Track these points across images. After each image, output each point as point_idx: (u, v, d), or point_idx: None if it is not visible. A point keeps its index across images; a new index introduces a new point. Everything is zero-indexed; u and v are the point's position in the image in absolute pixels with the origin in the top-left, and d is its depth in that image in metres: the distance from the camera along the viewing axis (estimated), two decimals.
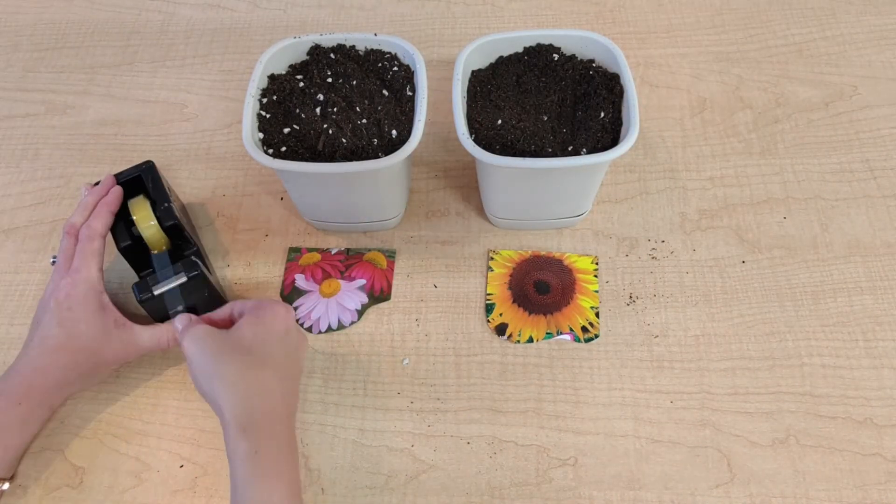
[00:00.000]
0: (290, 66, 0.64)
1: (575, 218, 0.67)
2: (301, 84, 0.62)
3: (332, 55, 0.64)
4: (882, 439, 0.57)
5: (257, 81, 0.61)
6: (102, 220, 0.58)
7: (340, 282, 0.65)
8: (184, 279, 0.57)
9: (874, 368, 0.60)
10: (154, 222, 0.59)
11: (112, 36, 0.85)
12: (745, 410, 0.58)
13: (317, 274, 0.65)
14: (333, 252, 0.66)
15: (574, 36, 0.64)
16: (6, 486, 0.54)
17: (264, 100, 0.62)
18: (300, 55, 0.65)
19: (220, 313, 0.57)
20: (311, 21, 0.85)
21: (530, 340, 0.62)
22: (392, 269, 0.65)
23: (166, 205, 0.60)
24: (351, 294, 0.64)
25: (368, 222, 0.67)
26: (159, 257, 0.59)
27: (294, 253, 0.67)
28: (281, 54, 0.64)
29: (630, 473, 0.56)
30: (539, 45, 0.64)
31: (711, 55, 0.79)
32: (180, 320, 0.55)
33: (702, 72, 0.78)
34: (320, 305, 0.64)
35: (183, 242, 0.62)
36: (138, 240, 0.59)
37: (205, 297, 0.60)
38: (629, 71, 0.60)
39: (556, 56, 0.64)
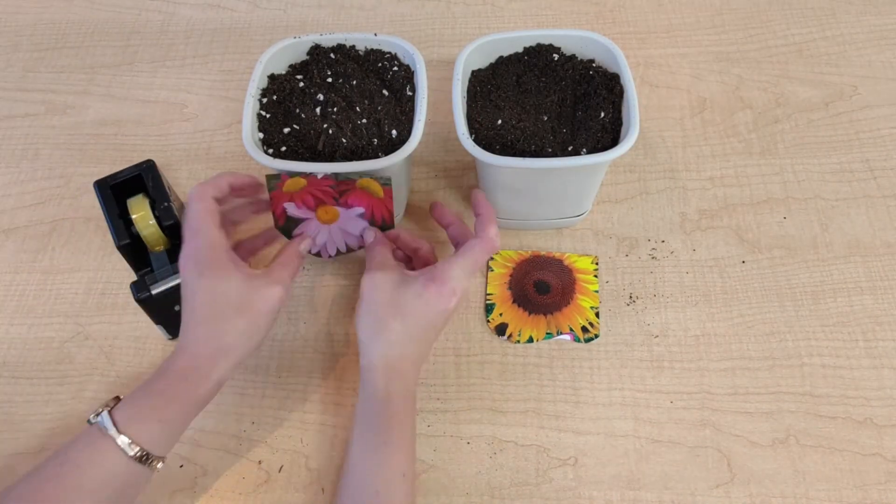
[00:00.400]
0: (291, 66, 0.64)
1: (575, 218, 0.67)
2: (301, 84, 0.62)
3: (332, 55, 0.64)
4: (882, 439, 0.57)
5: (257, 81, 0.61)
6: (215, 184, 0.54)
7: (337, 209, 0.60)
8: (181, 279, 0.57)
9: (874, 368, 0.60)
10: (153, 221, 0.59)
11: (112, 36, 0.85)
12: (745, 410, 0.58)
13: (308, 200, 0.59)
14: (319, 177, 0.58)
15: (574, 36, 0.64)
16: (160, 465, 0.49)
17: (264, 100, 0.62)
18: (300, 55, 0.65)
19: (410, 242, 0.60)
20: (311, 21, 0.85)
21: (530, 340, 0.62)
22: (391, 198, 0.59)
23: (166, 204, 0.60)
24: (351, 221, 0.60)
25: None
26: (157, 256, 0.59)
27: (274, 181, 0.58)
28: (281, 54, 0.64)
29: (630, 473, 0.56)
30: (539, 45, 0.64)
31: (711, 55, 0.79)
32: (368, 234, 0.59)
33: (702, 72, 0.78)
34: (323, 231, 0.60)
35: (182, 242, 0.61)
36: (137, 238, 0.59)
37: None
38: (629, 71, 0.60)
39: (556, 56, 0.64)
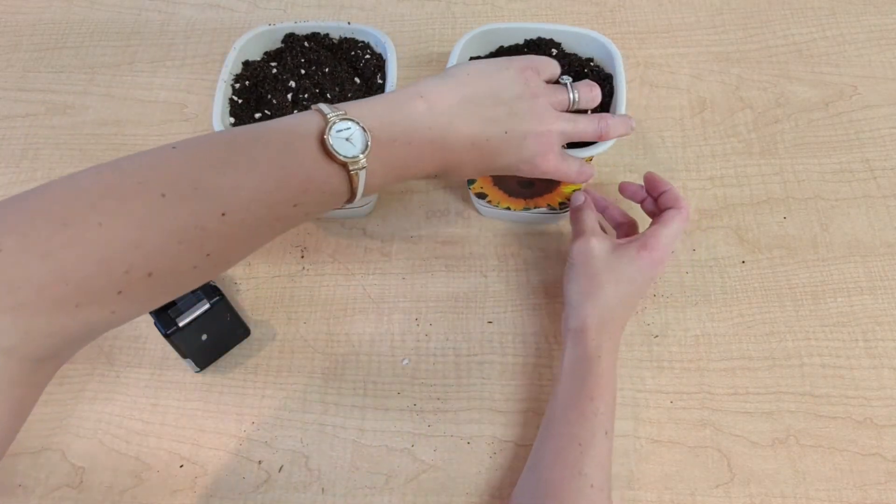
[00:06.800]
0: (266, 54, 0.65)
1: None
2: (274, 70, 0.63)
3: (305, 43, 0.64)
4: (882, 439, 0.57)
5: (230, 67, 0.62)
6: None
7: None
8: (207, 306, 0.56)
9: (874, 368, 0.60)
10: None
11: (112, 36, 0.85)
12: (745, 410, 0.58)
13: None
14: None
15: (576, 33, 0.64)
16: (360, 187, 0.46)
17: (237, 85, 0.62)
18: (275, 42, 0.65)
19: (618, 216, 0.63)
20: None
21: (507, 209, 0.64)
22: None
23: None
24: None
25: (340, 209, 0.65)
26: None
27: None
28: (255, 41, 0.64)
29: (630, 473, 0.56)
30: (540, 39, 0.64)
31: (711, 55, 0.79)
32: (578, 197, 0.60)
33: (702, 72, 0.78)
34: None
35: None
36: None
37: (227, 321, 0.59)
38: (623, 73, 0.60)
39: (554, 51, 0.64)
